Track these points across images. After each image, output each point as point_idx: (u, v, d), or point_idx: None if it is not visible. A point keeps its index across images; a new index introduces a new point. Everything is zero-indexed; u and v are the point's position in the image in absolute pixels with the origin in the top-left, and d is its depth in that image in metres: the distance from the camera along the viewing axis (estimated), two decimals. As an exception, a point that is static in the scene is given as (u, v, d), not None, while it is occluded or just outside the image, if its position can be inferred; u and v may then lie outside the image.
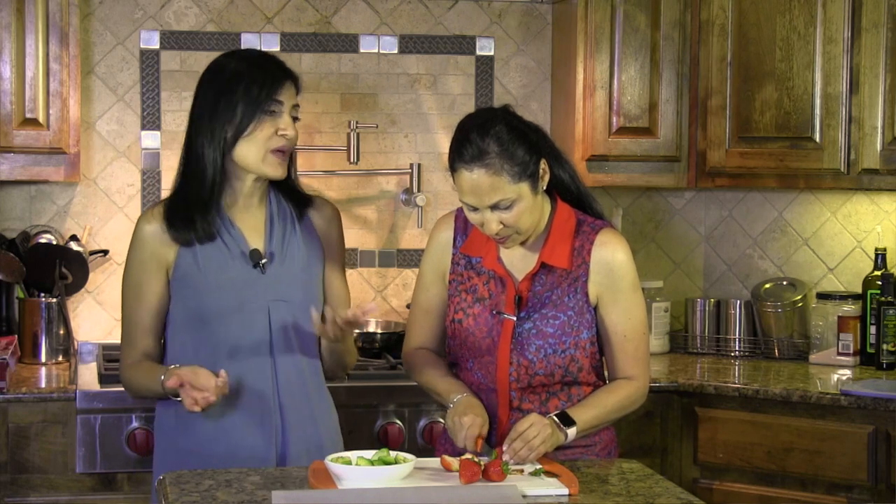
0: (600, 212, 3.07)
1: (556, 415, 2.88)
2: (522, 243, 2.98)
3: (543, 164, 2.91)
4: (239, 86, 2.94)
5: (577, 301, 2.96)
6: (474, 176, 2.84)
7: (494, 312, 2.98)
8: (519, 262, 3.00)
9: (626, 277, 2.97)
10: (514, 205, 2.86)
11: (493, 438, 2.95)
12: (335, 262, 3.15)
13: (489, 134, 2.84)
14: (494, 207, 2.86)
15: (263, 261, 3.01)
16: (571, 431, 2.87)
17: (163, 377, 2.92)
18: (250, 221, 3.05)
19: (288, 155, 3.00)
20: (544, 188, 2.94)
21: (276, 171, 2.98)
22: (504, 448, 2.79)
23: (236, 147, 2.95)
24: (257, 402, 2.98)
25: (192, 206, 2.98)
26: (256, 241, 3.04)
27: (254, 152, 2.95)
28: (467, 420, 2.85)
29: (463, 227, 3.06)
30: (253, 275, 3.00)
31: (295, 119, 3.00)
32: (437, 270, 3.08)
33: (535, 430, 2.79)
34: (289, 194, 3.10)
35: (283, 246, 3.04)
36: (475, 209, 2.88)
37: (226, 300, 2.94)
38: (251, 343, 2.98)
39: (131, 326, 3.05)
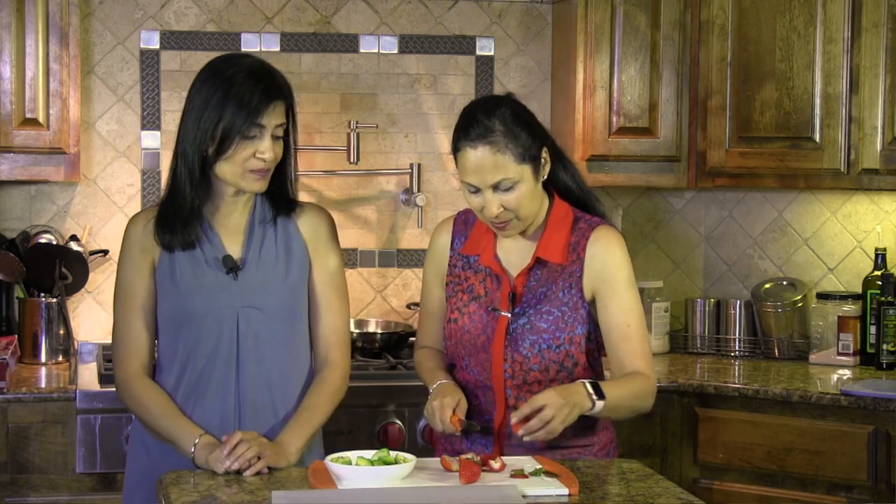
0: (603, 213, 3.07)
1: (589, 383, 2.86)
2: (522, 233, 2.99)
3: (545, 154, 2.94)
4: (223, 107, 2.88)
5: (571, 296, 2.96)
6: (479, 154, 2.86)
7: (490, 309, 2.99)
8: (515, 259, 3.01)
9: (621, 271, 2.97)
10: (515, 187, 2.88)
11: (490, 437, 2.95)
12: (323, 271, 3.06)
13: (495, 114, 2.89)
14: (496, 188, 2.88)
15: (234, 267, 2.99)
16: (600, 405, 2.84)
17: (194, 445, 2.88)
18: (231, 227, 3.01)
19: (269, 172, 2.94)
20: (545, 177, 2.95)
21: (254, 186, 2.94)
22: (514, 420, 2.78)
23: (216, 164, 2.92)
24: (219, 405, 2.97)
25: (176, 214, 2.96)
26: (234, 247, 3.01)
27: (230, 171, 2.92)
28: (437, 403, 2.88)
29: (462, 229, 3.08)
30: (225, 281, 2.97)
31: (277, 138, 2.93)
32: (437, 274, 3.12)
33: (550, 411, 2.76)
34: (274, 200, 3.04)
35: (260, 252, 3.01)
36: (477, 191, 2.90)
37: (198, 305, 2.93)
38: (220, 348, 2.96)
39: (122, 333, 3.03)
